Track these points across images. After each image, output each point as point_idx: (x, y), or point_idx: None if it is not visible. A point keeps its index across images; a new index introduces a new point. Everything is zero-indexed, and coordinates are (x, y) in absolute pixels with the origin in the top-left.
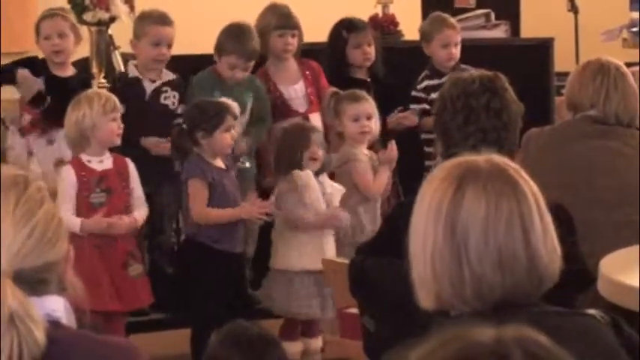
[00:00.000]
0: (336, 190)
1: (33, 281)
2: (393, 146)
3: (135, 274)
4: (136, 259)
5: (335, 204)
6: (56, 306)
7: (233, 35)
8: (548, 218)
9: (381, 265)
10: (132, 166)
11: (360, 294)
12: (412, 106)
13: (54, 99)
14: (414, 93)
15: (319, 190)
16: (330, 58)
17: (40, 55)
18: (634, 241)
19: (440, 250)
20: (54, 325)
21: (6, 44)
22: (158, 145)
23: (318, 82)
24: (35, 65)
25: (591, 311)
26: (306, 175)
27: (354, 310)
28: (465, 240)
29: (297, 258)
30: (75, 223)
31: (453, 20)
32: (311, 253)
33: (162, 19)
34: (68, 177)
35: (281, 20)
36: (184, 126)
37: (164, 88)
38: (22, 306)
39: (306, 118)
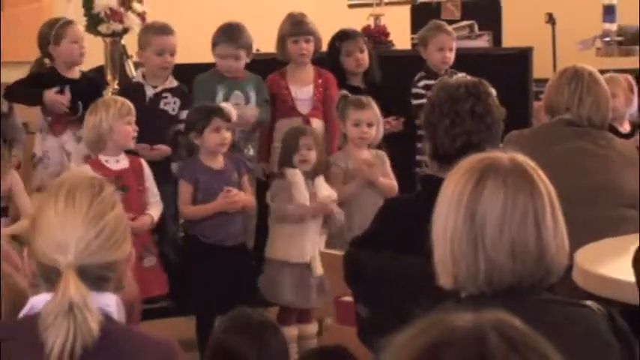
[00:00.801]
0: (331, 193)
1: (95, 277)
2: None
3: (149, 266)
4: (150, 252)
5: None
6: (109, 301)
7: (222, 30)
8: (560, 216)
9: (373, 257)
10: (146, 167)
11: (354, 283)
12: (414, 102)
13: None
14: (414, 90)
15: (305, 188)
16: (328, 67)
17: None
18: (605, 235)
19: (459, 236)
20: (106, 318)
21: (22, 53)
22: (147, 150)
23: (327, 90)
24: (50, 75)
25: (588, 302)
26: (293, 173)
27: (350, 299)
28: (482, 228)
29: (284, 249)
30: None
31: (448, 27)
32: (294, 246)
33: (163, 30)
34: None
35: (295, 27)
36: (182, 129)
37: (164, 94)
38: (82, 298)
39: (307, 121)
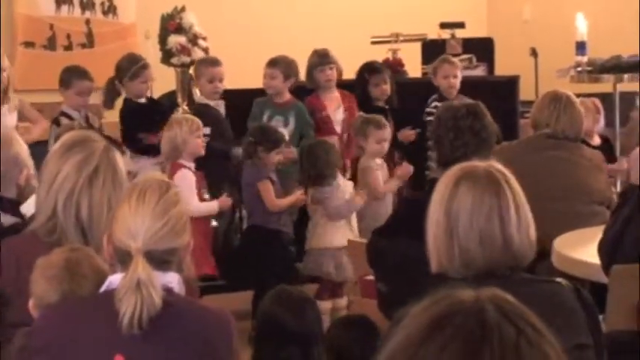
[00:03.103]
0: (348, 186)
1: (159, 260)
2: (407, 166)
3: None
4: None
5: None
6: (172, 279)
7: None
8: (524, 211)
9: (391, 244)
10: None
11: (375, 265)
12: (427, 118)
13: (139, 118)
14: (427, 109)
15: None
16: (357, 93)
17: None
18: (579, 226)
19: (440, 229)
20: (168, 292)
21: None
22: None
23: (351, 110)
24: (129, 107)
25: (558, 279)
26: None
27: (371, 277)
28: (456, 223)
29: (330, 238)
30: (213, 205)
31: (452, 59)
32: (340, 234)
33: (213, 62)
34: (190, 178)
35: (320, 58)
36: (251, 139)
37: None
38: (148, 277)
39: (341, 137)
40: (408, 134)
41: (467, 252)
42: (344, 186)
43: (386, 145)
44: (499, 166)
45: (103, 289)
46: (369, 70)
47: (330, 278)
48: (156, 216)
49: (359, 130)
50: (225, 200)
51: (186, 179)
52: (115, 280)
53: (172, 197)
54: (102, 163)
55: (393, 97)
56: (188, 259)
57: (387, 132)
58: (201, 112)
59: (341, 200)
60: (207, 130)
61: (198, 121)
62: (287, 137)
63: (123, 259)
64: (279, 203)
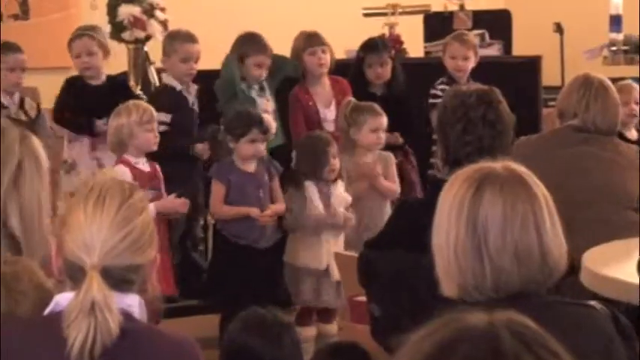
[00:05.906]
0: (343, 199)
1: (119, 279)
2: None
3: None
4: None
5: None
6: (132, 302)
7: (251, 39)
8: (556, 218)
9: (386, 257)
10: (160, 172)
11: (367, 283)
12: (430, 101)
13: (89, 103)
14: (432, 91)
15: (319, 199)
16: (351, 73)
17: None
18: (606, 237)
19: (462, 245)
20: (127, 317)
21: (52, 59)
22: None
23: (343, 96)
24: (76, 84)
25: (592, 303)
26: (309, 185)
27: (363, 298)
28: (485, 236)
29: (302, 257)
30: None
31: (465, 36)
32: (312, 254)
33: (189, 38)
34: (126, 175)
35: (310, 40)
36: (220, 128)
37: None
38: (104, 298)
39: (336, 138)
40: (393, 138)
41: (501, 271)
42: (336, 200)
43: (383, 135)
44: (518, 165)
45: (48, 310)
46: (364, 47)
47: (306, 305)
48: (116, 226)
49: (348, 118)
50: (172, 202)
51: (123, 178)
52: (63, 299)
53: (137, 204)
54: (24, 156)
55: (394, 83)
56: (154, 278)
57: (383, 120)
58: (162, 95)
59: (320, 210)
60: (168, 118)
61: (151, 110)
62: (270, 107)
63: (74, 275)
64: (223, 211)
